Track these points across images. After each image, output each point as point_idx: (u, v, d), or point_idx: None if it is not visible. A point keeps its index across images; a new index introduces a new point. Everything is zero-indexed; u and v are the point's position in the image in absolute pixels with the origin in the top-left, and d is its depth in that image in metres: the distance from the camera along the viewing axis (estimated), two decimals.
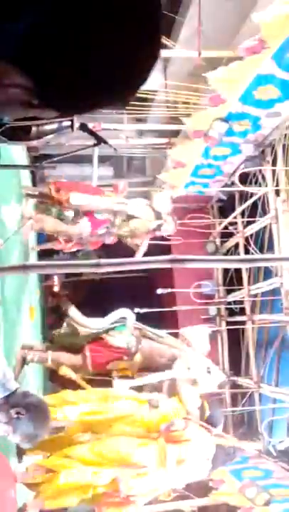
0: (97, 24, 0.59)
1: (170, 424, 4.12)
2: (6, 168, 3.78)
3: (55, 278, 8.75)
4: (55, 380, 5.31)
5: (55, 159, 4.27)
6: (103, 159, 5.72)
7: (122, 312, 4.97)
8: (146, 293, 7.92)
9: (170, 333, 5.44)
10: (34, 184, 6.84)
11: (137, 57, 0.63)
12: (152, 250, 6.05)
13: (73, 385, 4.70)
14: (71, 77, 0.62)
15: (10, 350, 4.24)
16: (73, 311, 5.01)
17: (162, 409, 4.32)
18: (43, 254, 7.58)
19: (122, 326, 4.94)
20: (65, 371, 4.67)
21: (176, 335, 5.53)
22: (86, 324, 4.88)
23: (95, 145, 4.23)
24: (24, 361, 4.66)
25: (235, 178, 6.46)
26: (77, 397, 4.38)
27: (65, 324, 5.15)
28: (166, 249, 6.76)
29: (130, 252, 6.05)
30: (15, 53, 0.60)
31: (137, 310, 7.30)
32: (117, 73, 0.63)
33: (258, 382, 7.44)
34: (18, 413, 1.99)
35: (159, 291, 8.08)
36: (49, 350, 4.91)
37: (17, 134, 3.69)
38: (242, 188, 6.42)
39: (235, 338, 8.49)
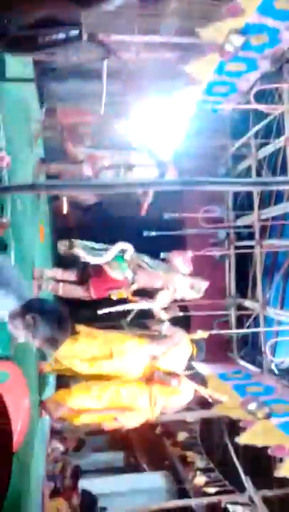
0: None
1: (166, 382, 5.10)
2: (12, 81, 3.62)
3: (64, 199, 8.68)
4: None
5: (63, 73, 4.09)
6: (112, 74, 5.45)
7: (122, 245, 5.40)
8: (155, 217, 7.87)
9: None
10: (41, 101, 6.61)
11: None
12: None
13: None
14: None
15: (21, 270, 4.29)
16: (79, 247, 5.34)
17: (161, 363, 5.21)
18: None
19: (120, 258, 5.40)
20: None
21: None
22: (89, 260, 5.33)
23: (103, 58, 4.03)
24: (40, 289, 5.20)
25: (250, 96, 6.18)
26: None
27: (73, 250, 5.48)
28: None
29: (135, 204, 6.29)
30: None
31: (146, 233, 7.37)
32: None
33: (264, 305, 7.58)
34: (33, 318, 2.10)
35: (166, 215, 8.04)
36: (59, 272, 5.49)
37: (23, 46, 3.51)
38: (257, 106, 6.15)
39: (243, 262, 8.56)
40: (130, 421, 5.20)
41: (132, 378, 5.24)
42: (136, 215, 6.50)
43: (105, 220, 8.49)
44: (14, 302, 2.09)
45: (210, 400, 5.72)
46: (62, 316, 2.21)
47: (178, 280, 5.57)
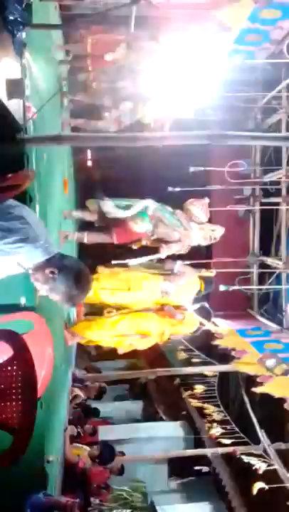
0: None
1: (173, 315, 5.94)
2: (38, 27, 3.51)
3: (88, 152, 8.61)
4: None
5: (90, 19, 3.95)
6: (141, 21, 5.24)
7: (146, 202, 5.61)
8: (179, 172, 7.75)
9: None
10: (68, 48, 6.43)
11: None
12: None
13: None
14: None
15: (45, 220, 4.31)
16: (106, 203, 5.56)
17: (171, 297, 5.96)
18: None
19: (144, 214, 5.60)
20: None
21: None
22: (116, 215, 5.57)
23: (132, 3, 3.87)
24: (66, 238, 5.51)
25: (284, 47, 5.90)
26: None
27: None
28: None
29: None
30: None
31: (170, 189, 7.29)
32: None
33: (287, 263, 7.52)
34: (52, 273, 2.12)
35: (192, 169, 7.90)
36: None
37: None
38: None
39: (268, 219, 8.43)
40: (142, 344, 6.07)
41: (144, 309, 6.00)
42: (160, 170, 6.41)
43: (128, 173, 8.41)
44: (40, 255, 2.11)
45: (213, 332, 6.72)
46: (81, 275, 2.19)
47: (194, 234, 5.83)
